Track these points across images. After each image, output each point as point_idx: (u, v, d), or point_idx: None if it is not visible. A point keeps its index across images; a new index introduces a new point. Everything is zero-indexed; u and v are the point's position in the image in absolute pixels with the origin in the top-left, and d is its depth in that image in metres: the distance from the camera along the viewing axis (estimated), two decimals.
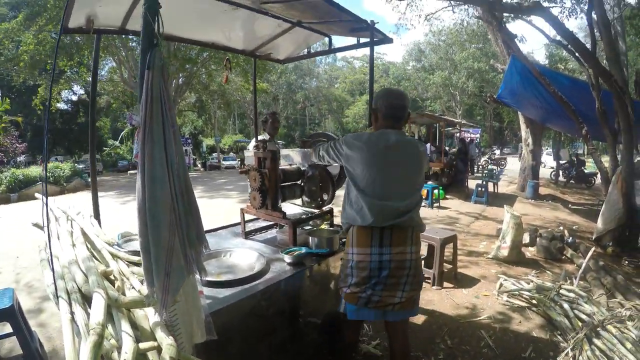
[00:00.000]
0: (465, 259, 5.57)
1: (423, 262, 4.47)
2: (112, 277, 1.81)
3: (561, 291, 3.81)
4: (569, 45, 6.49)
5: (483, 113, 48.43)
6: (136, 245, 2.51)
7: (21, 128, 21.20)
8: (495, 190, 12.63)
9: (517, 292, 4.15)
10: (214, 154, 34.21)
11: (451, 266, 4.78)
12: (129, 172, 27.26)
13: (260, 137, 4.48)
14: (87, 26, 2.75)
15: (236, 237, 3.20)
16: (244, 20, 3.09)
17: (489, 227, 7.86)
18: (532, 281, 4.35)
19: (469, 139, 23.75)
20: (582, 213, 10.06)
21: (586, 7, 7.81)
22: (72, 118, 33.73)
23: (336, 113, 52.13)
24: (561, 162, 17.53)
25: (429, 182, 10.77)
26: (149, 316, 1.51)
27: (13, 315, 2.36)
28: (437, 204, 10.21)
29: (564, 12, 11.63)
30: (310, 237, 2.74)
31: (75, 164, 20.20)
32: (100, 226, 2.73)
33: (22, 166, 16.54)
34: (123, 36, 17.22)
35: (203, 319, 1.60)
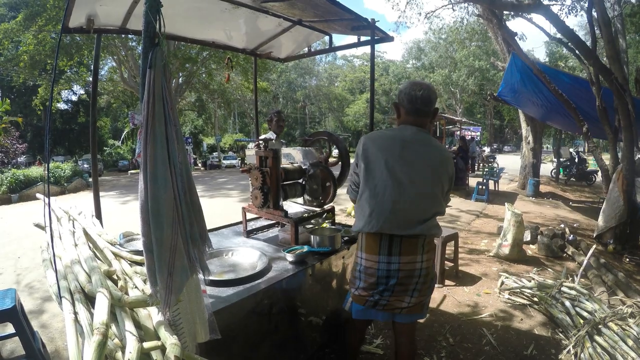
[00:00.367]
0: (466, 257, 5.58)
1: None
2: (115, 276, 1.81)
3: (562, 289, 3.80)
4: (569, 43, 6.48)
5: (483, 111, 48.48)
6: (138, 245, 2.53)
7: (21, 128, 21.23)
8: (496, 188, 12.63)
9: (518, 290, 4.15)
10: (214, 153, 34.18)
11: (452, 264, 4.78)
12: (129, 172, 27.27)
13: (266, 136, 4.48)
14: (88, 26, 2.75)
15: (238, 236, 3.21)
16: (245, 19, 3.09)
17: (490, 225, 7.86)
18: (533, 279, 4.35)
19: (469, 137, 23.76)
20: (583, 211, 10.06)
21: (586, 5, 7.79)
22: (72, 118, 33.76)
23: (336, 111, 52.11)
24: (562, 159, 17.53)
25: None
26: (152, 316, 1.52)
27: (15, 315, 2.35)
28: None
29: (564, 9, 11.59)
30: (312, 236, 2.74)
31: (75, 164, 20.19)
32: (102, 226, 2.73)
33: (23, 167, 16.54)
34: (123, 36, 17.22)
35: (206, 318, 1.60)
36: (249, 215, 3.24)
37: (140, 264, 2.01)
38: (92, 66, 3.09)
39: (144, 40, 1.45)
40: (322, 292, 2.77)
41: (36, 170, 14.37)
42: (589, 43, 6.62)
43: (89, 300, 1.58)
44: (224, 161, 30.96)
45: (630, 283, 4.36)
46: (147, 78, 1.41)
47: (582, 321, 3.25)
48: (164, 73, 1.43)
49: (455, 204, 10.45)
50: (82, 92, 32.35)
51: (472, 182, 12.74)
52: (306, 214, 3.03)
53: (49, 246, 2.14)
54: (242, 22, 3.19)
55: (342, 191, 2.76)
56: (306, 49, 4.04)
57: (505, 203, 6.17)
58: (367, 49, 4.04)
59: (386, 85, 50.04)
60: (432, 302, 4.05)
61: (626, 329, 2.99)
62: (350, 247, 2.96)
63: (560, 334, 3.40)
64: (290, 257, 2.51)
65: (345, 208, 8.99)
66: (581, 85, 7.23)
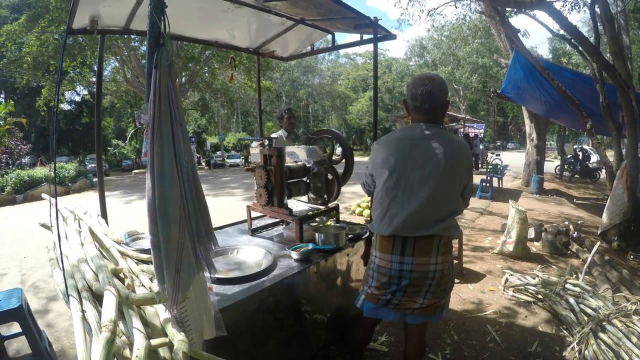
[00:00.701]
0: (470, 254, 5.58)
1: None
2: (121, 275, 1.82)
3: (567, 286, 3.80)
4: (573, 40, 6.46)
5: (487, 108, 48.35)
6: (143, 243, 2.54)
7: (25, 129, 21.32)
8: (500, 186, 12.59)
9: (522, 287, 4.15)
10: (217, 152, 34.21)
11: (457, 261, 4.78)
12: (133, 171, 27.34)
13: (277, 134, 4.48)
14: (91, 27, 2.76)
15: (243, 234, 3.22)
16: (248, 18, 3.10)
17: (494, 222, 7.85)
18: (537, 276, 4.35)
19: (473, 134, 23.67)
20: (587, 207, 10.03)
21: (589, 1, 7.76)
22: (76, 118, 33.88)
23: (339, 110, 52.09)
24: (566, 156, 17.49)
25: None
26: (159, 313, 1.53)
27: (22, 315, 2.37)
28: None
29: (567, 5, 11.55)
30: (316, 234, 2.75)
31: (80, 164, 20.28)
32: (107, 225, 2.75)
33: (27, 167, 16.62)
34: (125, 36, 17.28)
35: (212, 315, 1.61)
36: (254, 214, 3.26)
37: (146, 262, 2.02)
38: (95, 67, 3.12)
39: (149, 41, 1.46)
40: (326, 290, 2.78)
41: (40, 171, 14.45)
42: (592, 39, 6.59)
43: (96, 298, 1.59)
44: (228, 160, 31.01)
45: (634, 280, 4.35)
46: (152, 78, 1.41)
47: (586, 318, 3.25)
48: (169, 73, 1.44)
49: None
50: (85, 92, 32.50)
51: (476, 179, 12.70)
52: (310, 212, 3.04)
53: (55, 245, 2.16)
54: (245, 22, 3.20)
55: (346, 189, 2.77)
56: (309, 47, 4.03)
57: (509, 200, 6.16)
58: (369, 47, 4.00)
59: (389, 83, 49.99)
60: None
61: (630, 326, 2.99)
62: (355, 245, 2.97)
63: (565, 331, 3.40)
64: (295, 255, 2.52)
65: (349, 206, 9.00)
66: (584, 82, 7.20)
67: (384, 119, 43.06)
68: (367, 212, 7.69)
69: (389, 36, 3.29)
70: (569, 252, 5.75)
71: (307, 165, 3.18)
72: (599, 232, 6.53)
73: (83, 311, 1.49)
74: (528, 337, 3.33)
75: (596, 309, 3.31)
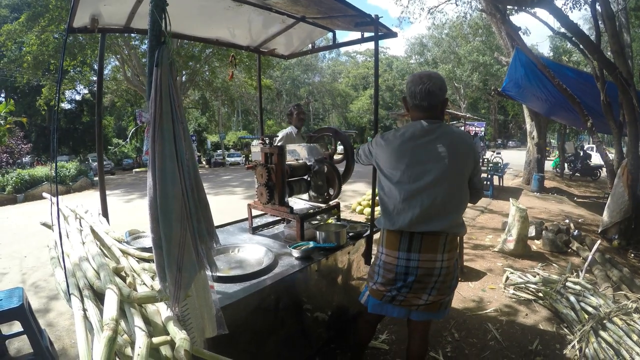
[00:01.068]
0: (471, 253, 5.58)
1: None
2: (123, 273, 1.82)
3: (567, 284, 3.80)
4: (573, 38, 6.44)
5: (487, 106, 48.36)
6: (144, 242, 2.55)
7: (26, 129, 21.34)
8: (501, 184, 12.58)
9: (523, 285, 4.15)
10: (218, 151, 34.21)
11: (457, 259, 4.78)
12: (134, 170, 27.33)
13: (286, 131, 4.47)
14: (92, 26, 2.76)
15: (244, 232, 3.22)
16: (248, 16, 3.09)
17: (494, 220, 7.85)
18: (538, 274, 4.35)
19: (473, 132, 23.63)
20: (588, 206, 10.03)
21: None
22: (76, 117, 33.87)
23: (340, 108, 52.11)
24: (566, 154, 17.49)
25: None
26: (161, 311, 1.53)
27: (23, 314, 2.37)
28: None
29: (568, 3, 11.56)
30: (317, 232, 2.75)
31: (81, 163, 20.28)
32: (108, 224, 2.75)
33: (28, 167, 16.64)
34: (126, 35, 17.28)
35: (214, 313, 1.61)
36: (255, 212, 3.26)
37: (147, 260, 2.02)
38: (95, 65, 3.11)
39: (150, 39, 1.46)
40: (327, 288, 2.78)
41: (41, 170, 14.45)
42: (593, 37, 6.59)
43: (98, 297, 1.59)
44: (228, 158, 30.99)
45: (635, 278, 4.34)
46: (154, 76, 1.41)
47: (586, 316, 3.25)
48: (170, 71, 1.44)
49: None
50: (85, 91, 32.50)
51: None
52: (311, 210, 3.04)
53: (56, 244, 2.16)
54: (246, 20, 3.20)
55: (347, 187, 2.77)
56: (310, 45, 4.02)
57: (510, 198, 6.17)
58: (370, 45, 4.00)
59: (390, 81, 50.02)
60: None
61: (631, 324, 2.99)
62: (356, 243, 2.97)
63: (565, 329, 3.40)
64: (296, 253, 2.52)
65: (350, 204, 9.01)
66: (585, 80, 7.19)
67: (384, 117, 43.12)
68: (367, 210, 7.68)
69: (390, 34, 3.28)
70: (569, 250, 5.75)
71: (308, 163, 3.18)
72: (599, 231, 6.53)
73: (84, 310, 1.49)
74: (529, 335, 3.33)
75: (597, 307, 3.31)
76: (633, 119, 6.05)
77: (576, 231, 6.19)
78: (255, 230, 3.23)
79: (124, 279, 1.76)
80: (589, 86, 6.85)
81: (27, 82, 22.81)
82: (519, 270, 4.65)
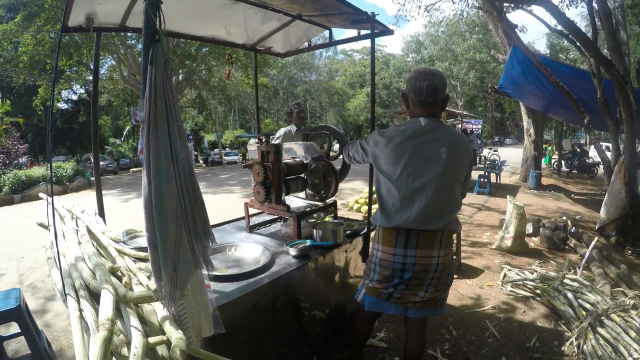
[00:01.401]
0: (468, 250, 5.59)
1: None
2: (119, 273, 1.82)
3: (565, 281, 3.81)
4: (570, 35, 6.45)
5: (484, 104, 48.41)
6: (141, 242, 2.54)
7: (22, 129, 21.25)
8: (498, 181, 12.61)
9: (521, 282, 4.16)
10: (215, 150, 34.15)
11: (455, 257, 4.78)
12: (131, 169, 27.24)
13: (286, 129, 4.46)
14: (87, 25, 2.74)
15: (241, 231, 3.21)
16: (244, 14, 3.08)
17: (492, 217, 7.87)
18: (535, 271, 4.36)
19: (470, 130, 23.67)
20: (585, 203, 10.06)
21: None
22: (72, 117, 33.70)
23: (337, 106, 52.03)
24: (563, 152, 17.52)
25: None
26: (157, 311, 1.52)
27: (20, 315, 2.37)
28: None
29: (565, 1, 11.55)
30: (314, 230, 2.75)
31: (78, 164, 20.21)
32: (105, 224, 2.74)
33: (24, 167, 16.57)
34: (122, 34, 17.22)
35: (211, 312, 1.61)
36: (252, 211, 3.25)
37: (144, 260, 2.02)
38: (91, 65, 3.10)
39: (144, 37, 1.45)
40: (325, 286, 2.78)
41: (38, 171, 14.40)
42: (589, 35, 6.60)
43: (94, 297, 1.59)
44: (226, 157, 30.88)
45: (632, 275, 4.36)
46: (148, 74, 1.40)
47: (584, 313, 3.26)
48: (165, 69, 1.43)
49: None
50: (82, 91, 32.36)
51: (474, 175, 12.70)
52: (308, 208, 3.04)
53: (53, 244, 2.15)
54: (242, 18, 3.18)
55: (344, 185, 2.76)
56: (306, 43, 4.01)
57: (507, 196, 6.17)
58: (367, 43, 4.00)
59: (386, 79, 50.00)
60: None
61: (628, 320, 3.00)
62: (353, 241, 2.97)
63: (563, 326, 3.41)
64: (293, 252, 2.52)
65: (347, 202, 9.01)
66: (582, 77, 7.21)
67: (381, 115, 43.11)
68: (364, 208, 7.69)
69: (387, 32, 3.27)
70: (567, 247, 5.76)
71: (305, 162, 3.18)
72: (596, 227, 6.55)
73: (80, 310, 1.48)
74: (527, 332, 3.34)
75: (594, 303, 3.32)
76: (630, 116, 6.06)
77: (573, 228, 6.20)
78: (252, 228, 3.22)
79: (120, 279, 1.75)
80: (586, 83, 6.87)
81: (23, 83, 22.73)
82: (517, 267, 4.66)
